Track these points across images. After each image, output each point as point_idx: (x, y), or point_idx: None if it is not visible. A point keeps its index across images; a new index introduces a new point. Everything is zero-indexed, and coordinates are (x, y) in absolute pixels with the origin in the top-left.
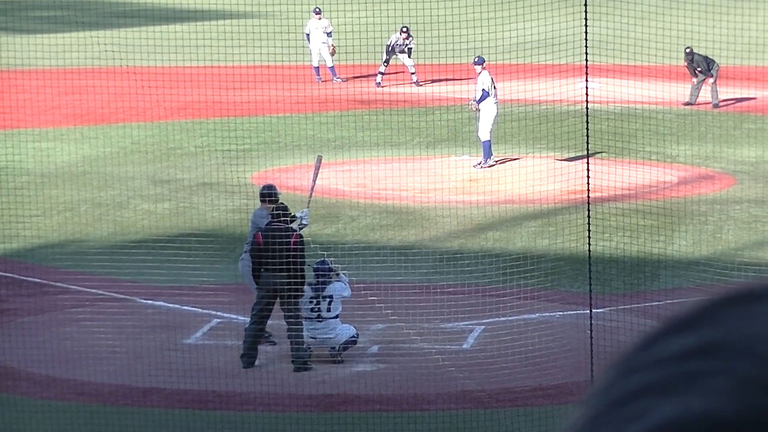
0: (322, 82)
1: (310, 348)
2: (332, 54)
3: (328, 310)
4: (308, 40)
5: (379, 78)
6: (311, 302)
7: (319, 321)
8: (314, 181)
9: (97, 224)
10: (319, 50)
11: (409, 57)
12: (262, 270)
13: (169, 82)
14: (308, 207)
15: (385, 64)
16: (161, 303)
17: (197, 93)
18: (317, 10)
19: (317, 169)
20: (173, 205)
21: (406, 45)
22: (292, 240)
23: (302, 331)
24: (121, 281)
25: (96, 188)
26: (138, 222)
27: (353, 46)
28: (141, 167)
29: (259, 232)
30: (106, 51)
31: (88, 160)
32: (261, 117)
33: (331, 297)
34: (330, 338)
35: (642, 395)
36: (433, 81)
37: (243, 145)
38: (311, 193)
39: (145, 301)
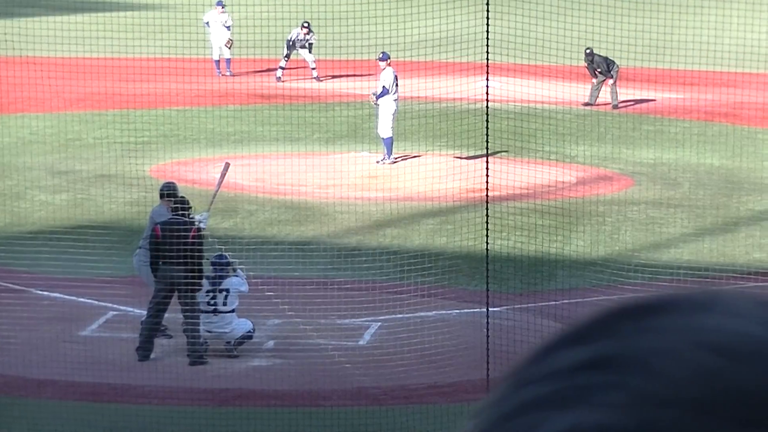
0: (222, 75)
1: (205, 342)
2: (229, 47)
3: (224, 303)
4: (208, 26)
5: (279, 73)
6: (208, 295)
7: (214, 314)
8: (218, 186)
9: None
10: (219, 44)
11: (309, 52)
12: (160, 263)
13: (68, 72)
14: (208, 211)
15: (286, 58)
16: (57, 294)
17: (96, 84)
18: (221, 3)
19: (223, 175)
20: (71, 197)
21: (307, 40)
22: (191, 234)
23: (199, 325)
24: (16, 272)
25: None
26: (35, 213)
27: (254, 40)
28: (39, 158)
29: (158, 225)
30: (5, 40)
31: None
32: (160, 110)
33: (227, 290)
34: (226, 332)
35: (534, 408)
36: (333, 77)
37: (142, 137)
38: (213, 199)
39: (41, 292)
